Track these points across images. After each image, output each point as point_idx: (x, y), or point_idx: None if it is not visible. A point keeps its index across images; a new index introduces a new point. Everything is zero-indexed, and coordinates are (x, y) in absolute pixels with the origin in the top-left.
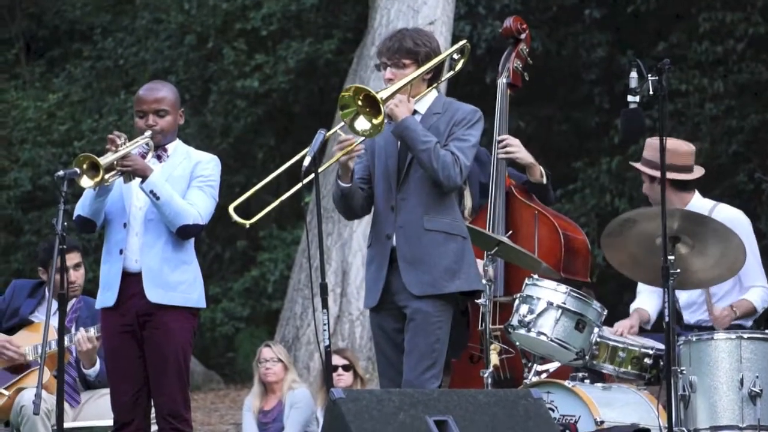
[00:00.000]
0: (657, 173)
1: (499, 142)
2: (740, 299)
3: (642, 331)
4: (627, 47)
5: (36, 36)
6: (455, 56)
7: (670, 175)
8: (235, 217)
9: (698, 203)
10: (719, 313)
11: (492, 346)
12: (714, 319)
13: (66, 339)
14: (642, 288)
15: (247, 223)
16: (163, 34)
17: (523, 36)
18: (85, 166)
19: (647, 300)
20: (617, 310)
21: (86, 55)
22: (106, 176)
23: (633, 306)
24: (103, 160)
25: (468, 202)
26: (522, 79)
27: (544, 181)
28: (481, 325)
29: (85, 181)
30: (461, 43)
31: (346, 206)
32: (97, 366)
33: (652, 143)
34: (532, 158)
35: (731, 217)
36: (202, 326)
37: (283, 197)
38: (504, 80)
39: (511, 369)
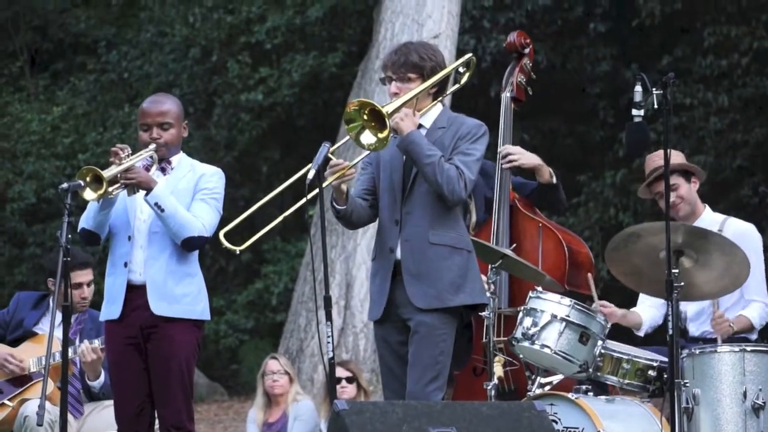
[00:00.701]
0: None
1: (501, 155)
2: (738, 315)
3: (645, 344)
4: (632, 61)
5: (40, 49)
6: (461, 69)
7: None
8: (226, 244)
9: (709, 217)
10: (718, 316)
11: (496, 359)
12: (714, 322)
13: (70, 351)
14: (643, 299)
15: (238, 249)
16: (168, 47)
17: (526, 51)
18: (88, 179)
19: (645, 310)
20: (620, 324)
21: (90, 68)
22: (110, 189)
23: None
24: (107, 173)
25: (473, 215)
26: (525, 93)
27: (554, 180)
28: (485, 338)
29: (89, 194)
30: (467, 56)
31: (346, 224)
32: (102, 378)
33: (651, 158)
34: (539, 159)
35: (742, 230)
36: (206, 338)
37: (284, 216)
38: (508, 94)
39: (515, 381)
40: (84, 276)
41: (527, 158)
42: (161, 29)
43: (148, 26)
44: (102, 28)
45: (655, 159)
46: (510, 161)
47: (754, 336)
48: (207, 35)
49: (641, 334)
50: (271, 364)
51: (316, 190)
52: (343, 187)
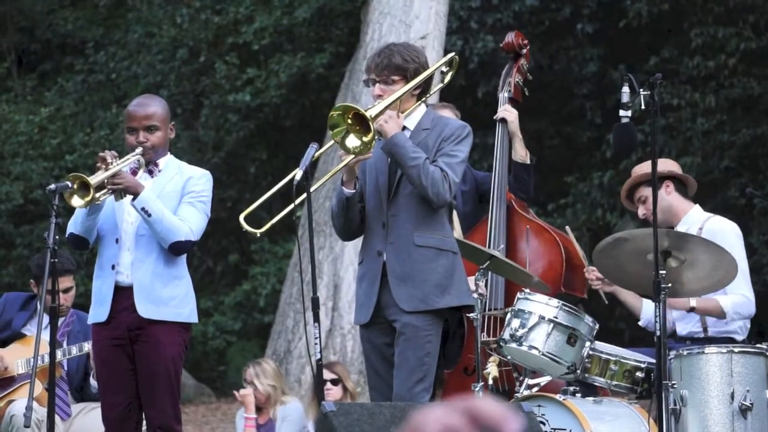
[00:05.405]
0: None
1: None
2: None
3: (632, 345)
4: (619, 62)
5: (28, 50)
6: (444, 69)
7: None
8: (246, 227)
9: (694, 215)
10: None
11: (491, 358)
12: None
13: (58, 353)
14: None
15: (258, 232)
16: (155, 48)
17: (524, 51)
18: (75, 186)
19: (646, 304)
20: (608, 325)
21: (78, 69)
22: (97, 195)
23: None
24: (94, 180)
25: (454, 214)
26: (522, 94)
27: (528, 161)
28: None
29: (76, 201)
30: (449, 55)
31: (345, 218)
32: None
33: (634, 170)
34: (520, 134)
35: (720, 228)
36: (193, 339)
37: (288, 209)
38: (505, 94)
39: (508, 381)
40: (62, 282)
41: (516, 123)
42: (149, 30)
43: (136, 27)
44: (89, 29)
45: (635, 171)
46: (505, 113)
47: (739, 337)
48: (194, 36)
49: (641, 323)
50: (247, 373)
51: (305, 194)
52: (356, 169)
